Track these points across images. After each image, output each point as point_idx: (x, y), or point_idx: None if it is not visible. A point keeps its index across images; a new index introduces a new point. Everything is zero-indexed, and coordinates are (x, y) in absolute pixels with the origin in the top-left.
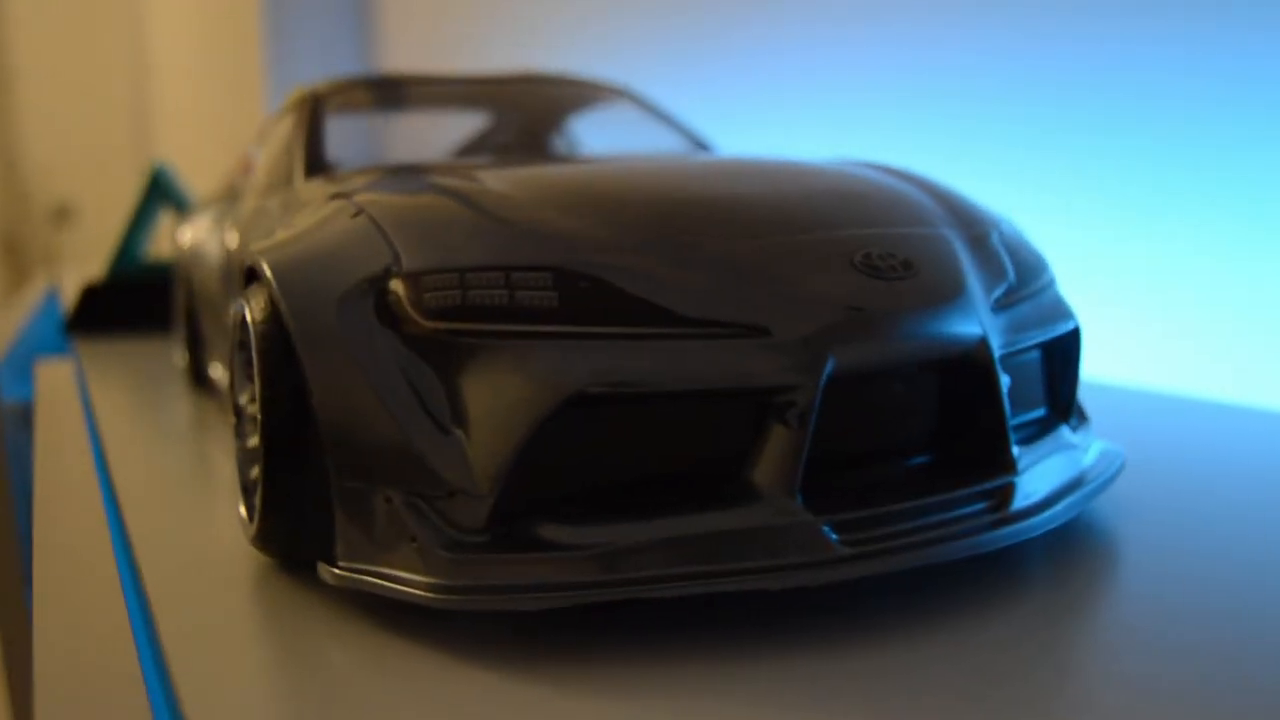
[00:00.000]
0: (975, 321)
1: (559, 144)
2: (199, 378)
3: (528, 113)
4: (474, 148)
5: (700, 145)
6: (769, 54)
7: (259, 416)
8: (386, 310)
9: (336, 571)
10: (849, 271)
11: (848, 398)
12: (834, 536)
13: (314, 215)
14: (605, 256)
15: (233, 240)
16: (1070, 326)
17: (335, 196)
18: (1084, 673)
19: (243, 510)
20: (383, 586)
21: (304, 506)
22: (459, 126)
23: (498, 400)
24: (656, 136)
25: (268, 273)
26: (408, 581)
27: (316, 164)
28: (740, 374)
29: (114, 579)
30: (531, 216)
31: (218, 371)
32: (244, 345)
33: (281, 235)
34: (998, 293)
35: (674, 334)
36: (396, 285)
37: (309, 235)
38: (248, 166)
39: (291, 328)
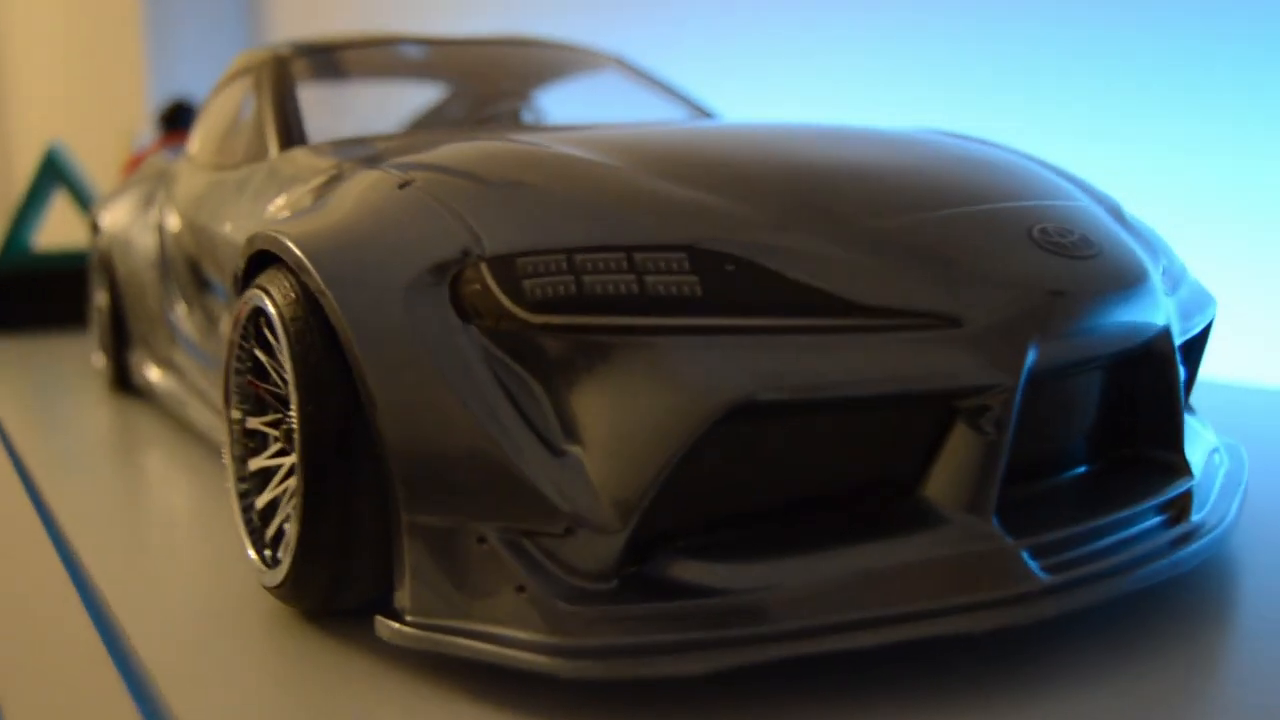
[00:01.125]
0: (1159, 307)
1: (533, 112)
2: (123, 381)
3: (505, 79)
4: (440, 115)
5: (704, 111)
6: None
7: (296, 434)
8: (468, 302)
9: (405, 628)
10: (1032, 248)
11: (1038, 399)
12: (1034, 564)
13: (334, 189)
14: (747, 234)
15: (174, 223)
16: (1214, 312)
17: (348, 165)
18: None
19: (254, 553)
20: (476, 648)
21: (353, 546)
22: (421, 94)
23: (633, 412)
24: (652, 105)
25: (301, 257)
26: (516, 642)
27: (294, 132)
28: (930, 373)
29: (95, 646)
30: (642, 186)
31: (154, 374)
32: (245, 348)
33: (296, 213)
34: (1159, 269)
35: (848, 326)
36: (481, 271)
37: (342, 212)
38: (158, 145)
39: (342, 325)
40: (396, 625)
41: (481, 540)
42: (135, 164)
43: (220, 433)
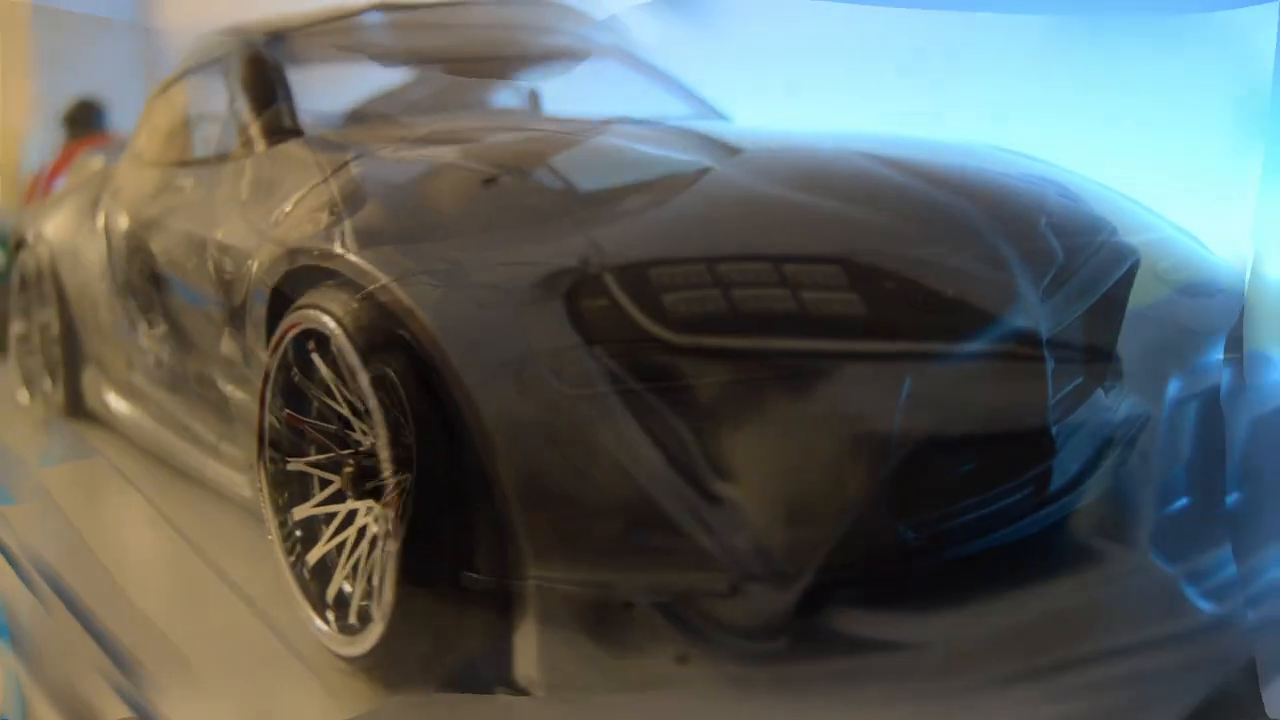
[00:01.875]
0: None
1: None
2: (76, 407)
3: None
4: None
5: (713, 111)
6: None
7: (389, 474)
8: (592, 319)
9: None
10: (1156, 282)
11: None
12: (1194, 593)
13: (383, 180)
14: (901, 247)
15: (125, 228)
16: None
17: (364, 159)
18: None
19: (321, 622)
20: None
21: (463, 609)
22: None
23: (803, 446)
24: (652, 97)
25: (377, 273)
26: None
27: (283, 123)
28: (1093, 406)
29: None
30: (767, 192)
31: (113, 400)
32: (289, 379)
33: (338, 215)
34: None
35: (1021, 353)
36: (606, 283)
37: (412, 213)
38: (69, 152)
39: (440, 351)
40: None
41: (627, 606)
42: (51, 178)
43: (231, 474)
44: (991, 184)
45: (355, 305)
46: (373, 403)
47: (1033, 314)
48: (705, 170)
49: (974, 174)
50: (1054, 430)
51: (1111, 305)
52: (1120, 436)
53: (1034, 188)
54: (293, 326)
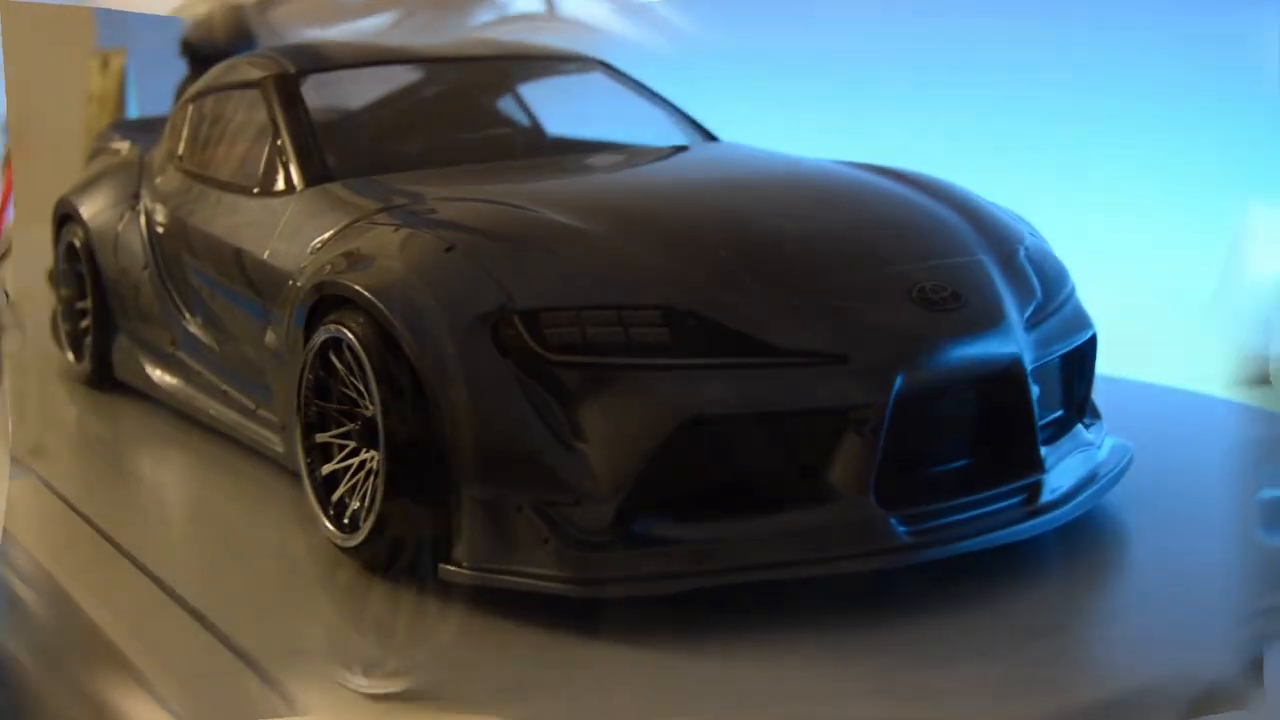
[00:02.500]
0: (1012, 342)
1: (509, 115)
2: (102, 379)
3: (480, 84)
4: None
5: (692, 124)
6: None
7: (380, 430)
8: (506, 342)
9: (465, 571)
10: (909, 305)
11: (907, 412)
12: (901, 528)
13: (385, 241)
14: (702, 296)
15: (173, 233)
16: (1089, 335)
17: (382, 216)
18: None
19: (332, 525)
20: (518, 583)
21: (418, 516)
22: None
23: (623, 421)
24: (639, 114)
25: (381, 308)
26: (544, 577)
27: (318, 165)
28: (825, 395)
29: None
30: (620, 252)
31: (156, 373)
32: (328, 368)
33: (354, 263)
34: (1028, 312)
35: (770, 363)
36: (515, 321)
37: (401, 268)
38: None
39: (416, 355)
40: (456, 569)
41: (519, 509)
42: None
43: (267, 434)
44: (973, 202)
45: (361, 324)
46: (375, 384)
47: (1018, 340)
48: (585, 234)
49: (954, 192)
50: (803, 411)
51: (1085, 360)
52: (855, 416)
53: (1009, 216)
54: (320, 337)
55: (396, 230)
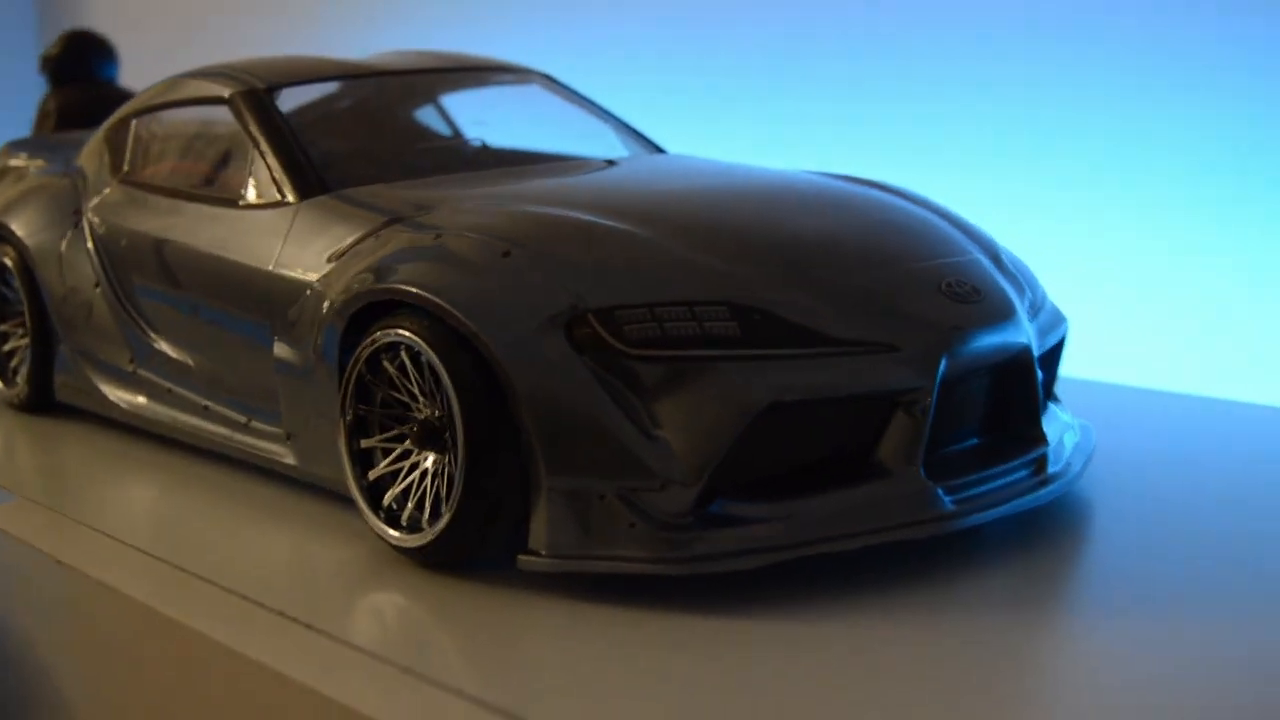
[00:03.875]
0: (1024, 332)
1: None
2: (41, 404)
3: (429, 96)
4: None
5: (637, 136)
6: None
7: (459, 430)
8: (583, 340)
9: (545, 560)
10: (941, 298)
11: (945, 394)
12: (946, 499)
13: (427, 248)
14: (759, 293)
15: (136, 248)
16: (1066, 329)
17: (398, 225)
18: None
19: (388, 527)
20: (605, 566)
21: (496, 511)
22: None
23: (704, 410)
24: (579, 125)
25: (453, 310)
26: (634, 559)
27: (310, 177)
28: (882, 380)
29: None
30: (674, 252)
31: (115, 392)
32: (377, 373)
33: (408, 264)
34: (1026, 305)
35: (831, 353)
36: (591, 319)
37: (462, 272)
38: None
39: (494, 356)
40: (536, 559)
41: (601, 497)
42: None
43: (267, 445)
44: (946, 208)
45: (424, 327)
46: (451, 385)
47: (1027, 330)
48: (634, 236)
49: (928, 199)
50: (861, 396)
51: (1056, 356)
52: (905, 399)
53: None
54: (373, 341)
55: (437, 238)
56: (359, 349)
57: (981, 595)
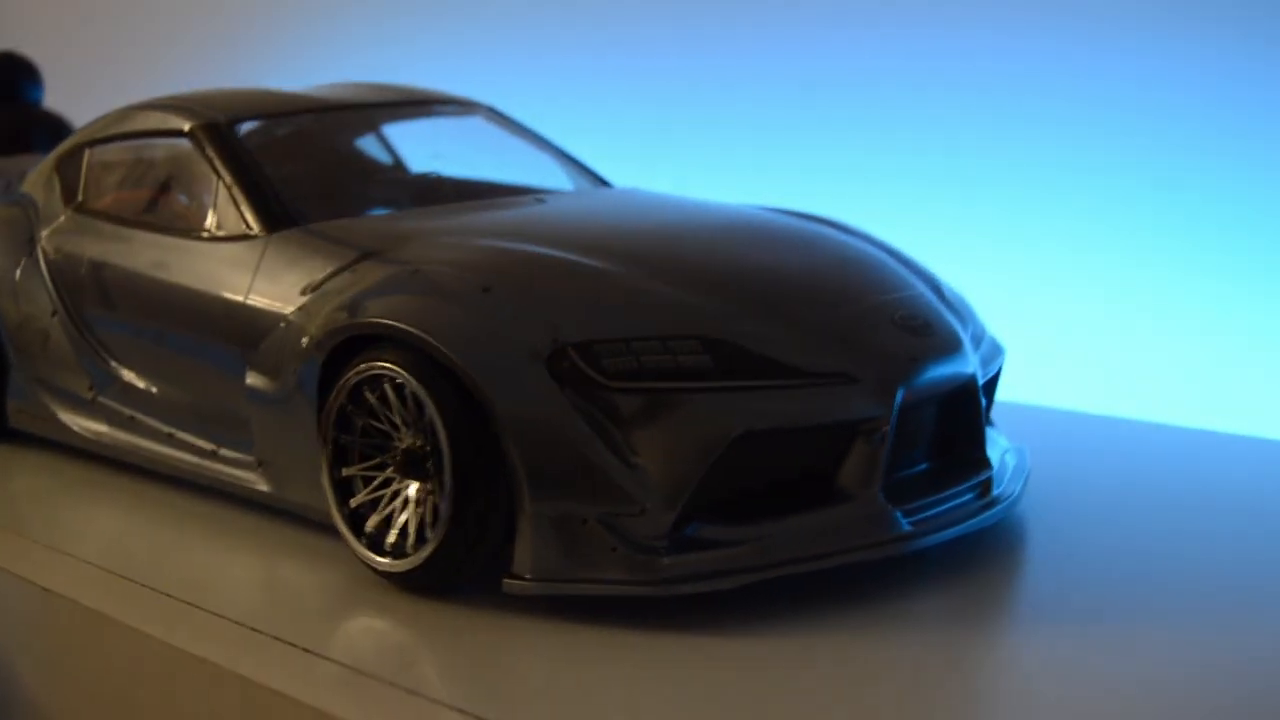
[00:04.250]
0: (970, 363)
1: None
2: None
3: (371, 130)
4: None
5: (580, 169)
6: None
7: (446, 456)
8: (563, 373)
9: (530, 584)
10: (895, 331)
11: (900, 421)
12: (904, 520)
13: (406, 282)
14: (727, 327)
15: (90, 277)
16: (1004, 357)
17: (372, 259)
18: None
19: (372, 552)
20: (589, 589)
21: (481, 537)
22: None
23: (681, 438)
24: (523, 156)
25: (437, 344)
26: (615, 580)
27: (275, 209)
28: (845, 409)
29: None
30: (644, 288)
31: (75, 420)
32: (358, 404)
33: (387, 298)
34: (968, 336)
35: (797, 384)
36: (570, 353)
37: (445, 307)
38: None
39: (477, 387)
40: (522, 582)
41: (583, 522)
42: None
43: (234, 472)
44: (887, 242)
45: (409, 360)
46: (437, 414)
47: (972, 360)
48: (604, 272)
49: (869, 234)
50: (825, 425)
51: (994, 384)
52: (865, 428)
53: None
54: (357, 374)
55: (416, 273)
56: (341, 380)
57: (931, 610)
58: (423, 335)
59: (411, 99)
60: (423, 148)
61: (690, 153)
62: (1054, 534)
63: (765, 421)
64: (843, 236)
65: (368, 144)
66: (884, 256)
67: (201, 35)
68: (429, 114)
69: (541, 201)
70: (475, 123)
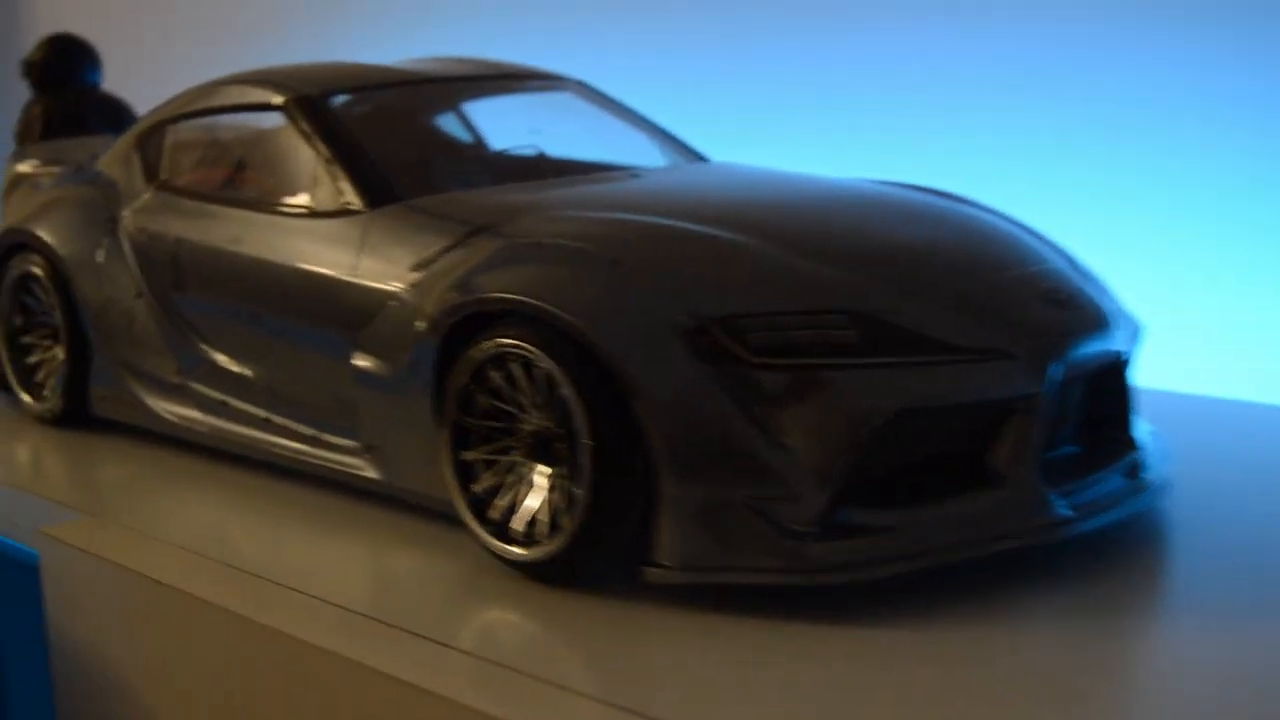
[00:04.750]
0: (1118, 337)
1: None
2: (73, 416)
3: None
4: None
5: (679, 145)
6: None
7: (585, 438)
8: (706, 350)
9: (674, 572)
10: (1045, 305)
11: (1052, 399)
12: (1062, 504)
13: (527, 257)
14: (872, 300)
15: (166, 247)
16: (1143, 333)
17: (485, 234)
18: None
19: (499, 540)
20: (737, 578)
21: (620, 523)
22: None
23: (833, 417)
24: (617, 131)
25: (575, 322)
26: (768, 569)
27: (378, 186)
28: (1001, 387)
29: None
30: (783, 261)
31: (163, 404)
32: (486, 386)
33: (514, 273)
34: (1110, 311)
35: (950, 360)
36: (713, 328)
37: (572, 282)
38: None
39: (619, 365)
40: (664, 571)
41: (730, 506)
42: None
43: (340, 458)
44: (1012, 216)
45: (543, 338)
46: (573, 394)
47: (1119, 335)
48: (738, 244)
49: (993, 208)
50: (980, 402)
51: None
52: (1019, 405)
53: None
54: (482, 352)
55: (536, 246)
56: (464, 359)
57: (1077, 602)
58: (555, 310)
59: (502, 73)
60: (516, 123)
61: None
62: (1193, 523)
63: (920, 400)
64: (966, 208)
65: (459, 118)
66: (1013, 228)
67: (249, 19)
68: (520, 89)
69: (650, 175)
70: (565, 98)
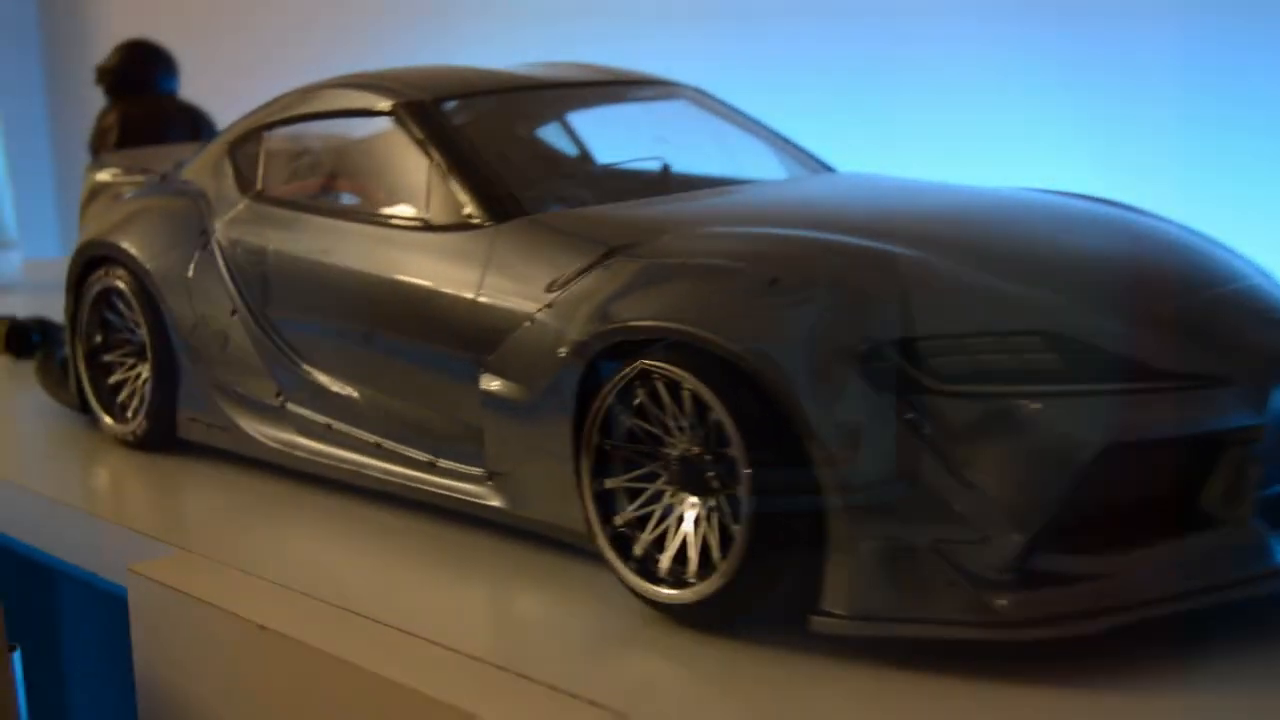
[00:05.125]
0: None
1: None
2: (158, 439)
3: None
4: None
5: (804, 154)
6: None
7: (745, 472)
8: (882, 375)
9: (847, 622)
10: (1260, 325)
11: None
12: None
13: (672, 276)
14: (1069, 321)
15: (262, 261)
16: None
17: (623, 252)
18: None
19: (646, 581)
20: (917, 630)
21: (783, 566)
22: None
23: (1028, 452)
24: (740, 140)
25: (741, 352)
26: (952, 621)
27: (504, 198)
28: (1217, 417)
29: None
30: (964, 278)
31: (260, 429)
32: (629, 405)
33: (663, 301)
34: None
35: (1160, 388)
36: (889, 352)
37: (730, 306)
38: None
39: (788, 398)
40: (834, 620)
41: (912, 550)
42: None
43: (459, 485)
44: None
45: (699, 363)
46: (731, 423)
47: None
48: (913, 260)
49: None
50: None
51: None
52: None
53: None
54: (628, 373)
55: (683, 267)
56: (609, 385)
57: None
58: (711, 336)
59: (618, 79)
60: (637, 131)
61: None
62: None
63: (1129, 433)
64: (1142, 217)
65: (566, 126)
66: (1200, 240)
67: (329, 28)
68: (635, 96)
69: (786, 185)
70: (682, 106)
